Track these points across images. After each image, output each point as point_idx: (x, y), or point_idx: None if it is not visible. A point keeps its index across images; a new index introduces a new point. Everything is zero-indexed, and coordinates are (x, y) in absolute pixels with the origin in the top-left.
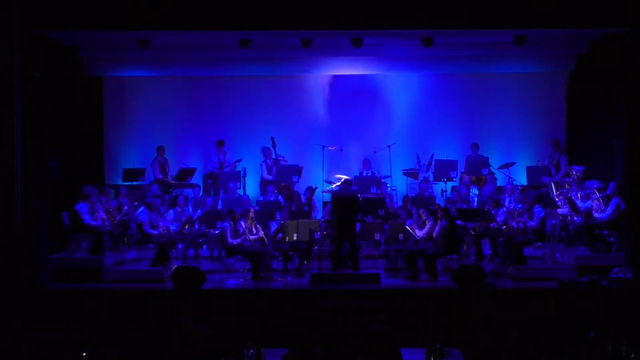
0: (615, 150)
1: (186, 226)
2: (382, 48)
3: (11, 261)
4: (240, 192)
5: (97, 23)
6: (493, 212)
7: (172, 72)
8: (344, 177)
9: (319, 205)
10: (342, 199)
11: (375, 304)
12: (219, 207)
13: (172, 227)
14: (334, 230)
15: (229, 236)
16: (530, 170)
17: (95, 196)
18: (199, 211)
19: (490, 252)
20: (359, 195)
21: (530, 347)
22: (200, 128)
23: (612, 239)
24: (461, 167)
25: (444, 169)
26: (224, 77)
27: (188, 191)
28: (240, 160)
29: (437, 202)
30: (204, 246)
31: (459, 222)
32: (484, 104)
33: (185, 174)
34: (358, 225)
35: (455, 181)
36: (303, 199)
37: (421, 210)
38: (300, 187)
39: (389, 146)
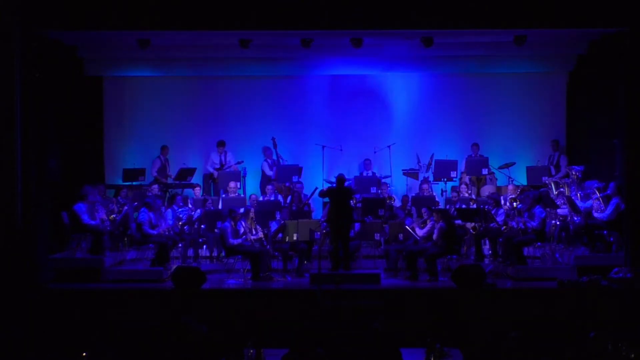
0: (615, 150)
1: (186, 226)
2: (382, 48)
3: (11, 261)
4: (240, 192)
5: (97, 23)
6: (493, 212)
7: (172, 72)
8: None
9: (318, 206)
10: (337, 192)
11: (375, 304)
12: (219, 207)
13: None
14: (330, 229)
15: (229, 236)
16: (530, 170)
17: (95, 196)
18: (198, 211)
19: (490, 252)
20: (352, 188)
21: (530, 347)
22: (200, 128)
23: (612, 239)
24: (461, 167)
25: (444, 169)
26: (224, 77)
27: (188, 191)
28: (242, 162)
29: (437, 201)
30: (204, 246)
31: (458, 222)
32: (484, 104)
33: (185, 174)
34: (358, 225)
35: (455, 181)
36: (304, 198)
37: (423, 210)
38: (303, 187)
39: (389, 146)
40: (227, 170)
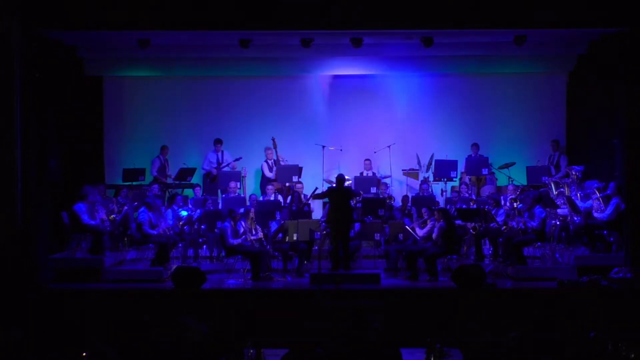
0: (615, 150)
1: (186, 226)
2: (382, 48)
3: (11, 261)
4: (240, 192)
5: (97, 23)
6: (493, 212)
7: (172, 72)
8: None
9: (318, 206)
10: (337, 192)
11: (375, 304)
12: (219, 207)
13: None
14: (330, 230)
15: (229, 236)
16: (530, 170)
17: (95, 196)
18: (198, 211)
19: (491, 252)
20: (352, 189)
21: (530, 347)
22: (200, 128)
23: (612, 239)
24: (461, 167)
25: (444, 169)
26: (224, 77)
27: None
28: (240, 158)
29: (437, 202)
30: (204, 246)
31: (458, 222)
32: (484, 104)
33: (185, 173)
34: (357, 225)
35: (455, 181)
36: (304, 198)
37: (423, 210)
38: (303, 187)
39: (389, 146)
40: (226, 169)
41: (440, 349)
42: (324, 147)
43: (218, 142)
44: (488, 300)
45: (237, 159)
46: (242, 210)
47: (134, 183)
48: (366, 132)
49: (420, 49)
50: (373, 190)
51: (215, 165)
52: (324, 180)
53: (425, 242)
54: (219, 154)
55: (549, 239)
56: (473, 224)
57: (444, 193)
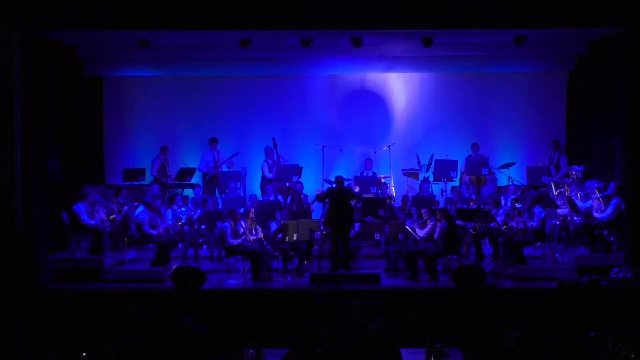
0: (615, 150)
1: (186, 226)
2: (382, 48)
3: (11, 261)
4: (241, 192)
5: (97, 23)
6: (493, 212)
7: (172, 72)
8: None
9: (318, 206)
10: (337, 193)
11: (375, 304)
12: (219, 207)
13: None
14: (330, 230)
15: (229, 236)
16: (530, 170)
17: (95, 196)
18: (199, 211)
19: (491, 252)
20: (352, 189)
21: (530, 347)
22: (200, 128)
23: (612, 239)
24: (461, 167)
25: (444, 169)
26: (224, 77)
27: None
28: (237, 153)
29: (437, 201)
30: (204, 246)
31: (459, 222)
32: (484, 104)
33: (185, 174)
34: (358, 225)
35: (455, 181)
36: (305, 199)
37: (423, 210)
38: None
39: (389, 146)
40: (224, 167)
41: (440, 349)
42: (324, 147)
43: (214, 140)
44: (488, 300)
45: (233, 155)
46: (242, 210)
47: (134, 183)
48: (366, 132)
49: (420, 49)
50: (373, 190)
51: (212, 165)
52: (323, 180)
53: (426, 242)
54: (215, 152)
55: (549, 239)
56: (473, 224)
57: (444, 193)
